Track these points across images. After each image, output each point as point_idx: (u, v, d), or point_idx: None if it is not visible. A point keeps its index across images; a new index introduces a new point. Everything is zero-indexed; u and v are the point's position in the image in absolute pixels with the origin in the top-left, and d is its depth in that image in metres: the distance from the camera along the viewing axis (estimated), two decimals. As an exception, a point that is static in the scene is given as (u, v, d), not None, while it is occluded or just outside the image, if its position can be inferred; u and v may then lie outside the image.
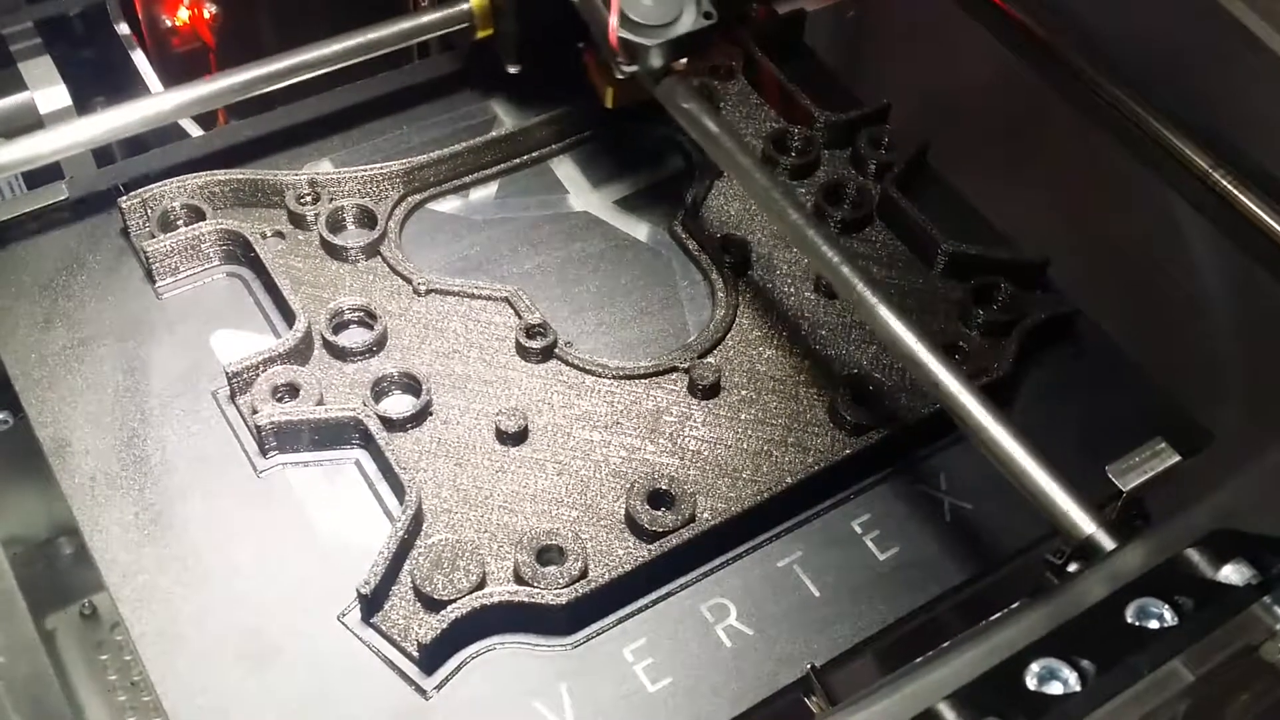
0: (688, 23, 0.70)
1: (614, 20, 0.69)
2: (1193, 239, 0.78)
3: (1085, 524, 0.58)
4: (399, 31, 0.80)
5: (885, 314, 0.64)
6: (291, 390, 0.69)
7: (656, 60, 0.71)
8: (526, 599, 0.62)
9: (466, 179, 0.83)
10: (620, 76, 0.72)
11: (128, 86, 0.89)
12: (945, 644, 0.60)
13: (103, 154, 0.84)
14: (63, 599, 0.85)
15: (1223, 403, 0.75)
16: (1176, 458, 0.70)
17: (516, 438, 0.69)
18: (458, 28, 0.80)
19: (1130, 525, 0.61)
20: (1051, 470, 0.59)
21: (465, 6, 0.79)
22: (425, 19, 0.80)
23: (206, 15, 0.93)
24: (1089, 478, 0.70)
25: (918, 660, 0.58)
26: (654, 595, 0.65)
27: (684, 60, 0.73)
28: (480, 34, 0.80)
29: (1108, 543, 0.57)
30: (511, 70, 0.82)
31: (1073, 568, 0.59)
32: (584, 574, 0.63)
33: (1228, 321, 0.78)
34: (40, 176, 0.84)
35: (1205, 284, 0.78)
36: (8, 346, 0.73)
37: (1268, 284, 0.75)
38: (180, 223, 0.77)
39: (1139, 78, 0.81)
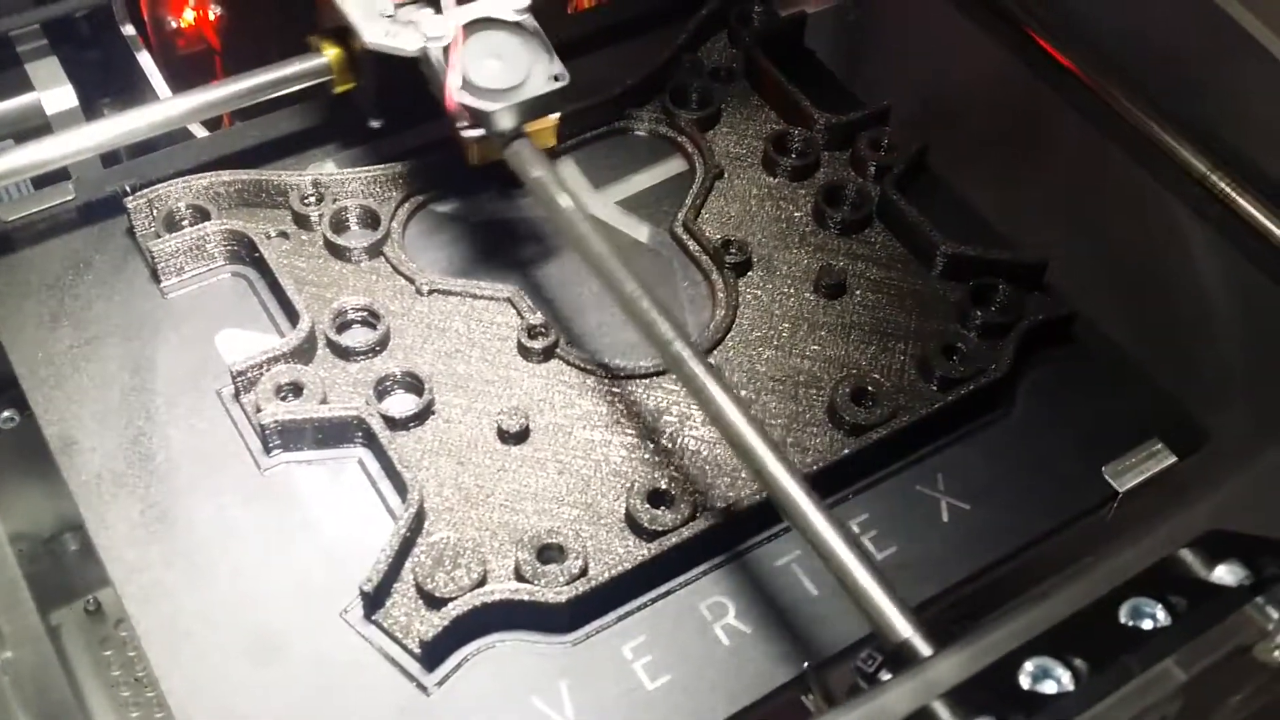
0: (535, 86, 0.68)
1: (452, 83, 0.67)
2: (1191, 241, 0.78)
3: (903, 628, 0.54)
4: (260, 84, 0.77)
5: (719, 396, 0.60)
6: (295, 389, 0.70)
7: (503, 124, 0.68)
8: (527, 597, 0.63)
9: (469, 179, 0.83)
10: (467, 139, 0.70)
11: (133, 87, 0.89)
12: (941, 645, 0.60)
13: (109, 155, 0.84)
14: (67, 595, 0.85)
15: (1219, 404, 0.76)
16: (1173, 459, 0.71)
17: (518, 437, 0.70)
18: (317, 81, 0.78)
19: (948, 631, 0.57)
20: (873, 570, 0.55)
21: (324, 60, 0.77)
22: (286, 71, 0.77)
23: (211, 17, 0.93)
24: (1086, 478, 0.71)
25: (914, 661, 0.58)
26: (653, 593, 0.66)
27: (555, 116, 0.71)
28: (339, 88, 0.78)
29: (924, 648, 0.54)
30: (373, 124, 0.80)
31: (885, 676, 0.56)
32: (584, 572, 0.64)
33: (1225, 324, 0.78)
34: (47, 177, 0.84)
35: (1203, 286, 0.78)
36: (15, 345, 0.73)
37: (1265, 286, 0.75)
38: (186, 223, 0.77)
39: (1138, 80, 0.81)
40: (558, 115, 0.73)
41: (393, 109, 0.79)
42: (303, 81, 0.77)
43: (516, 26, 0.68)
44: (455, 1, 0.68)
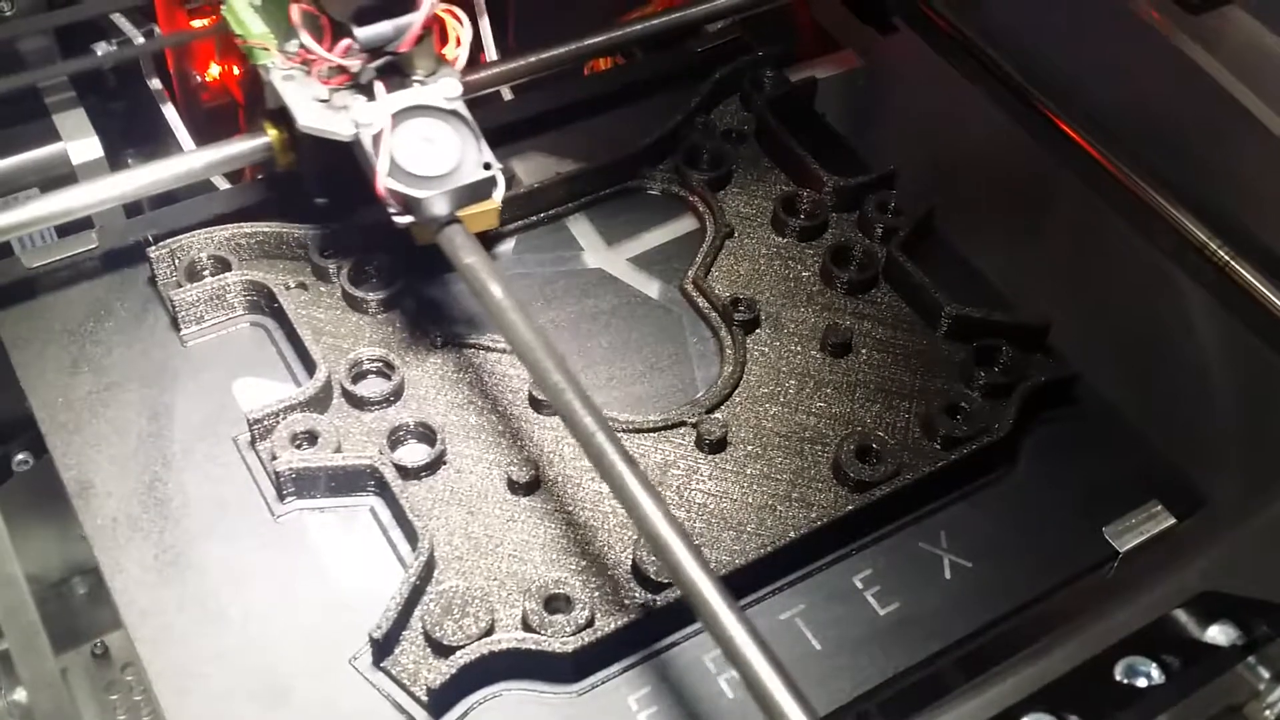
0: (465, 174, 0.68)
1: (380, 169, 0.67)
2: (1190, 308, 0.80)
3: None
4: (211, 162, 0.78)
5: (636, 489, 0.58)
6: (310, 438, 0.71)
7: (435, 211, 0.67)
8: (534, 646, 0.64)
9: (484, 235, 0.85)
10: (399, 225, 0.69)
11: (158, 139, 0.91)
12: (942, 699, 0.61)
13: (132, 205, 0.86)
14: (75, 638, 0.86)
15: (1216, 467, 0.77)
16: (1171, 520, 0.72)
17: (527, 488, 0.71)
18: (262, 158, 0.78)
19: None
20: (782, 674, 0.52)
21: (266, 140, 0.77)
22: (234, 149, 0.78)
23: (236, 72, 0.95)
24: (1087, 538, 0.72)
25: (915, 714, 0.59)
26: (659, 645, 0.67)
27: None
28: (282, 165, 0.78)
29: None
30: (318, 202, 0.81)
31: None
32: (590, 622, 0.65)
33: (1222, 389, 0.79)
34: (70, 226, 0.86)
35: (1201, 352, 0.80)
36: (35, 390, 0.75)
37: (1262, 353, 0.76)
38: (206, 273, 0.79)
39: (1140, 149, 0.83)
40: (499, 200, 0.72)
41: (335, 188, 0.79)
42: (249, 159, 0.78)
43: (449, 114, 0.69)
44: (386, 89, 0.68)
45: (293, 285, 0.79)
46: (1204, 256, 0.79)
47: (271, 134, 0.77)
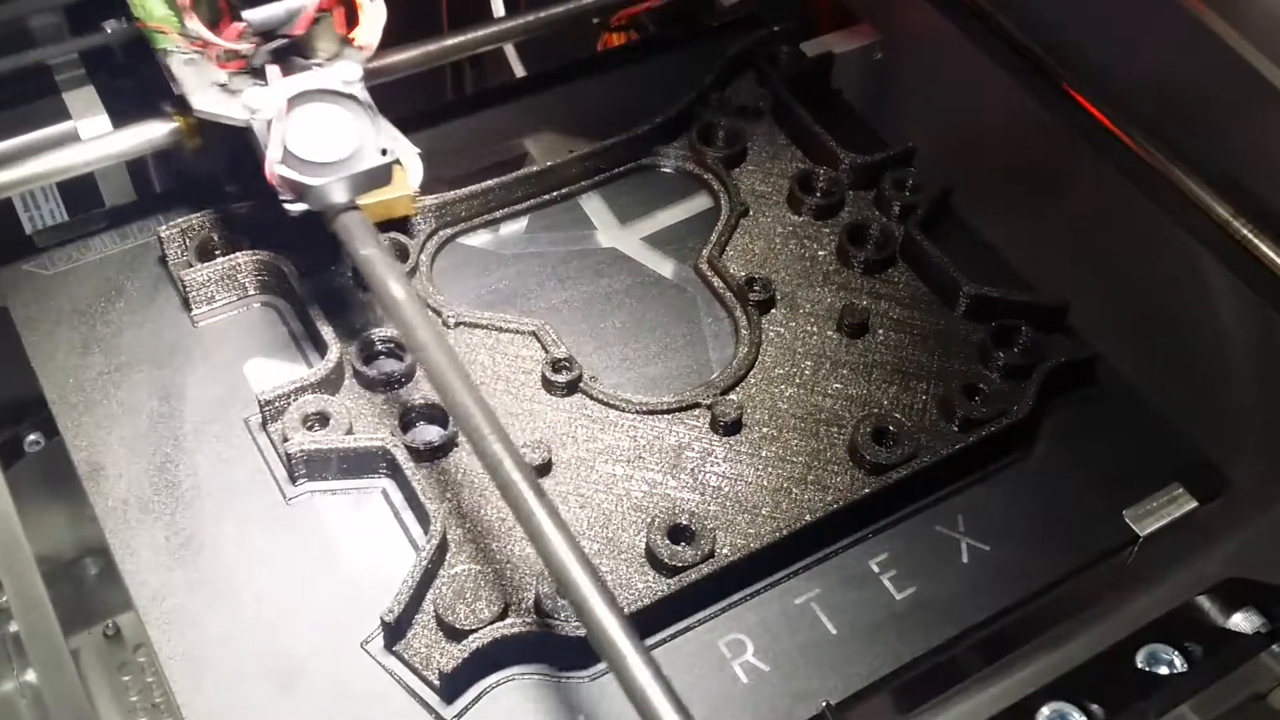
0: (361, 160, 0.66)
1: (271, 156, 0.65)
2: (1213, 286, 0.78)
3: None
4: (123, 149, 0.77)
5: (547, 525, 0.55)
6: (322, 419, 0.70)
7: (329, 198, 0.66)
8: (546, 631, 0.63)
9: (497, 214, 0.84)
10: (292, 213, 0.68)
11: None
12: (959, 685, 0.61)
13: (143, 183, 0.85)
14: (87, 619, 0.86)
15: (1240, 450, 0.76)
16: (1193, 503, 0.71)
17: (540, 470, 0.70)
18: (170, 143, 0.77)
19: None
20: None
21: (175, 125, 0.76)
22: (141, 134, 0.77)
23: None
24: (1107, 521, 0.71)
25: (931, 700, 0.59)
26: (672, 629, 0.66)
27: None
28: (189, 149, 0.77)
29: None
30: (228, 189, 0.80)
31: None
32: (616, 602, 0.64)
33: (1246, 369, 0.78)
34: (81, 205, 0.86)
35: (1224, 331, 0.78)
36: (46, 371, 0.74)
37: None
38: (218, 253, 0.78)
39: (1161, 125, 0.82)
40: (415, 186, 0.72)
41: (243, 175, 0.78)
42: (158, 144, 0.77)
43: (347, 99, 0.67)
44: (282, 73, 0.67)
45: (304, 265, 0.78)
46: (1227, 234, 0.78)
47: (178, 118, 0.75)
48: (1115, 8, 0.84)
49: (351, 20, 0.70)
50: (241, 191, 0.79)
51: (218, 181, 0.80)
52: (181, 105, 0.73)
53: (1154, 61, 0.82)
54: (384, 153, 0.66)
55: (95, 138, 0.78)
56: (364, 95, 0.68)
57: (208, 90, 0.69)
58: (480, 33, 0.87)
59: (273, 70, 0.67)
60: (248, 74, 0.69)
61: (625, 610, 0.63)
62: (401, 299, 0.62)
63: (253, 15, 0.66)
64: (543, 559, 0.55)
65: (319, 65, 0.68)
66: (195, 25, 0.67)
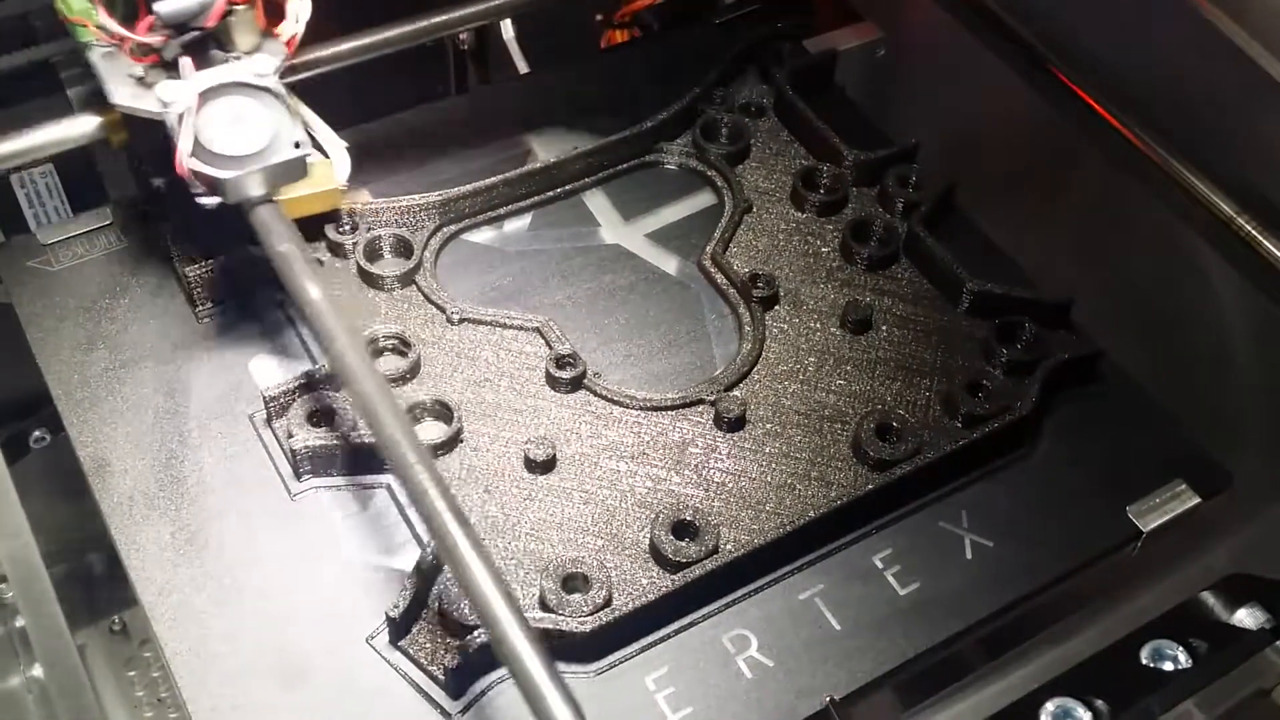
0: (275, 154, 0.65)
1: (182, 149, 0.65)
2: (1217, 283, 0.78)
3: None
4: (41, 143, 0.74)
5: (440, 505, 0.55)
6: (326, 416, 0.71)
7: (242, 191, 0.65)
8: (551, 626, 0.63)
9: (501, 210, 0.84)
10: (205, 206, 0.67)
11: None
12: (963, 680, 0.61)
13: (147, 181, 0.85)
14: (93, 615, 0.86)
15: (1243, 446, 0.76)
16: (1196, 500, 0.71)
17: (544, 466, 0.71)
18: (97, 137, 0.75)
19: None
20: None
21: (101, 120, 0.74)
22: (66, 129, 0.74)
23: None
24: (1110, 517, 0.71)
25: (935, 696, 0.59)
26: (676, 625, 0.66)
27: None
28: (115, 145, 0.75)
29: None
30: (155, 182, 0.78)
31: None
32: (608, 603, 0.65)
33: (1250, 366, 0.78)
34: (86, 201, 0.86)
35: (1228, 328, 0.79)
36: (51, 367, 0.75)
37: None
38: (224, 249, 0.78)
39: (1166, 122, 0.82)
40: (342, 180, 0.71)
41: (167, 169, 0.78)
42: (84, 139, 0.75)
43: (262, 92, 0.67)
44: (195, 66, 0.66)
45: (310, 257, 0.78)
46: (1231, 230, 0.78)
47: (104, 113, 0.74)
48: (1120, 4, 0.84)
49: (279, 14, 0.69)
50: (166, 186, 0.79)
51: (144, 176, 0.79)
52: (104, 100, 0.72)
53: (1158, 58, 0.82)
54: (296, 145, 0.66)
55: (23, 133, 0.75)
56: (279, 87, 0.67)
57: (125, 84, 0.68)
58: (471, 9, 0.86)
59: (186, 63, 0.66)
60: (162, 68, 0.68)
61: (629, 607, 0.64)
62: (316, 301, 0.62)
63: (163, 8, 0.65)
64: (437, 545, 0.55)
65: (236, 58, 0.68)
66: (105, 19, 0.66)
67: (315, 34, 0.73)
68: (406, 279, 0.79)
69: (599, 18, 1.04)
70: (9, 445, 0.81)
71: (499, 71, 1.02)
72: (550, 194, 0.86)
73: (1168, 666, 0.54)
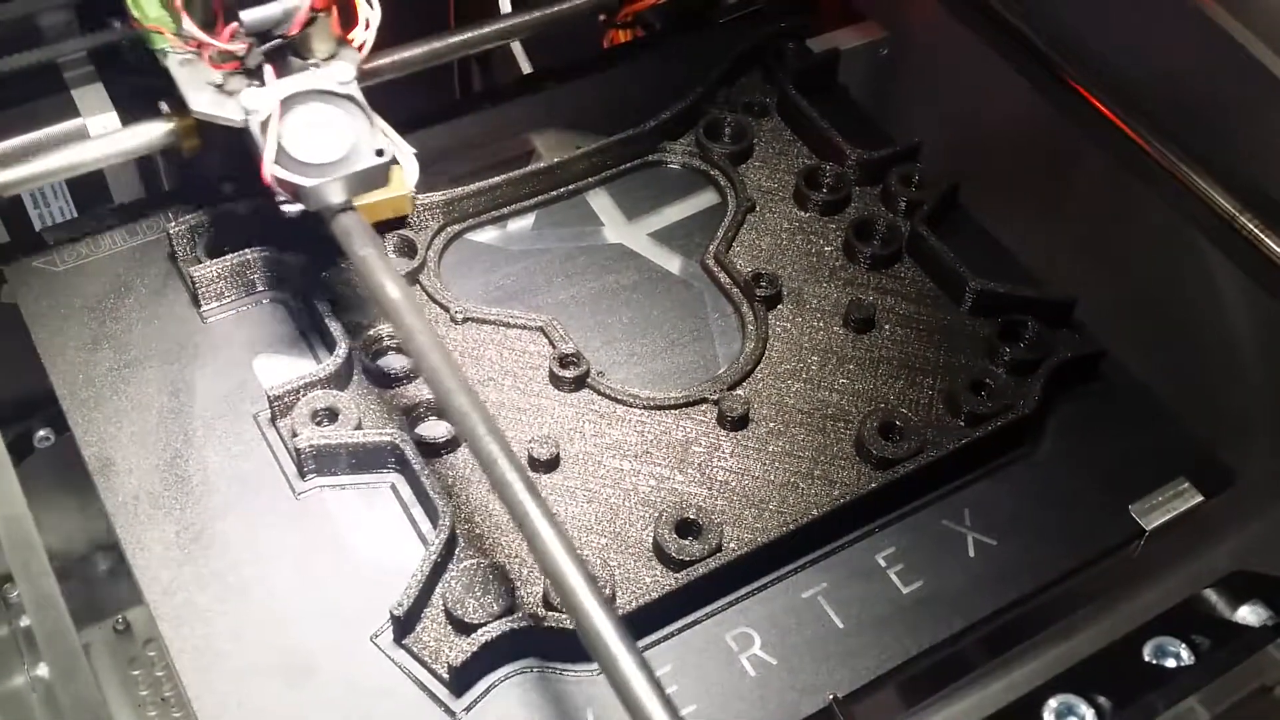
0: (355, 161, 0.66)
1: (267, 157, 0.65)
2: (1219, 281, 0.79)
3: None
4: (117, 150, 0.77)
5: (543, 527, 0.55)
6: (331, 414, 0.71)
7: (325, 199, 0.66)
8: (555, 624, 0.63)
9: (504, 210, 0.84)
10: (288, 214, 0.67)
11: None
12: (966, 678, 0.61)
13: (151, 181, 0.86)
14: (97, 614, 0.86)
15: (1246, 444, 0.76)
16: (1199, 498, 0.71)
17: (548, 465, 0.71)
18: (168, 143, 0.77)
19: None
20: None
21: (173, 125, 0.76)
22: (139, 134, 0.77)
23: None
24: (1113, 515, 0.71)
25: (938, 694, 0.59)
26: (680, 623, 0.66)
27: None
28: (187, 151, 0.77)
29: None
30: (225, 187, 0.79)
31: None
32: (611, 601, 0.65)
33: (1252, 364, 0.78)
34: (90, 201, 0.86)
35: (1230, 326, 0.79)
36: (56, 367, 0.75)
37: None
38: (226, 249, 0.78)
39: (1168, 121, 0.82)
40: (411, 186, 0.72)
41: (240, 176, 0.78)
42: (157, 145, 0.77)
43: (343, 99, 0.67)
44: (276, 74, 0.67)
45: (312, 261, 0.78)
46: (1233, 229, 0.78)
47: (176, 119, 0.76)
48: (1122, 3, 0.84)
49: (348, 21, 0.70)
50: (238, 192, 0.79)
51: (216, 183, 0.80)
52: (179, 106, 0.73)
53: (1161, 57, 0.82)
54: (380, 153, 0.66)
55: (95, 138, 0.78)
56: (359, 95, 0.68)
57: (204, 91, 0.69)
58: (486, 29, 0.87)
59: (268, 71, 0.67)
60: (243, 75, 0.68)
61: (632, 605, 0.64)
62: (399, 300, 0.62)
63: (247, 16, 0.66)
64: (536, 558, 0.55)
65: (314, 66, 0.68)
66: (189, 26, 0.67)
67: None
68: (411, 278, 0.79)
69: (602, 18, 1.04)
70: (14, 445, 0.81)
71: (503, 72, 1.02)
72: (554, 194, 0.86)
73: (1170, 663, 0.54)
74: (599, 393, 0.74)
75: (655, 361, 0.77)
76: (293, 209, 0.67)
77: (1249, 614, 0.56)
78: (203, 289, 0.77)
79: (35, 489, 0.68)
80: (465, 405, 0.58)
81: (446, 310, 0.77)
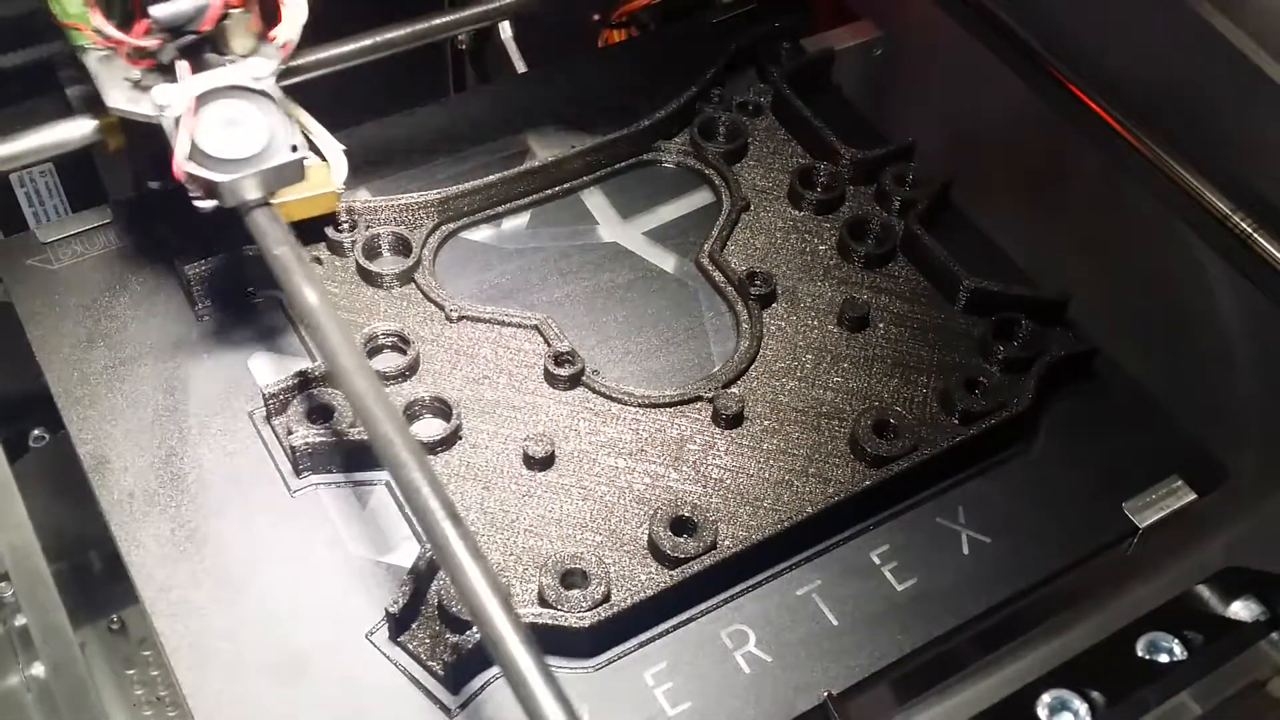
0: (270, 157, 0.65)
1: (179, 152, 0.64)
2: (1212, 280, 0.79)
3: None
4: (43, 144, 0.75)
5: (444, 526, 0.54)
6: (325, 412, 0.71)
7: (239, 195, 0.65)
8: (550, 621, 0.63)
9: (499, 209, 0.84)
10: (202, 210, 0.66)
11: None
12: (960, 674, 0.61)
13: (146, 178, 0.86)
14: (92, 614, 0.86)
15: (1239, 442, 0.76)
16: (1192, 495, 0.72)
17: (543, 463, 0.71)
18: (93, 140, 0.76)
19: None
20: None
21: (97, 123, 0.75)
22: (62, 132, 0.75)
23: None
24: (1107, 513, 0.72)
25: (932, 690, 0.59)
26: (675, 620, 0.66)
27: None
28: (112, 148, 0.76)
29: None
30: (152, 185, 0.79)
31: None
32: (606, 598, 0.65)
33: (1245, 362, 0.78)
34: (85, 199, 0.86)
35: (1223, 325, 0.79)
36: (51, 365, 0.75)
37: (1286, 325, 0.76)
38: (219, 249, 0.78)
39: (1161, 121, 0.82)
40: (339, 183, 0.71)
41: (165, 172, 0.78)
42: (80, 142, 0.76)
43: (258, 95, 0.67)
44: (191, 69, 0.66)
45: (307, 259, 0.78)
46: (1226, 228, 0.78)
47: (100, 117, 0.75)
48: (1115, 3, 0.84)
49: (270, 17, 0.69)
50: (164, 187, 0.79)
51: (144, 181, 0.79)
52: (100, 103, 0.72)
53: (1154, 56, 0.82)
54: (294, 149, 0.66)
55: (16, 136, 0.76)
56: (276, 91, 0.67)
57: (121, 87, 0.68)
58: (472, 10, 0.87)
59: (183, 67, 0.66)
60: (158, 71, 0.68)
61: (627, 602, 0.64)
62: (311, 299, 0.61)
63: (158, 12, 0.65)
64: (440, 562, 0.54)
65: (232, 62, 0.68)
66: (100, 22, 0.66)
67: (315, 35, 0.74)
68: (405, 277, 0.79)
69: (596, 18, 1.04)
70: (9, 443, 0.81)
71: (497, 71, 1.02)
72: (548, 192, 0.86)
73: (1163, 659, 0.54)
74: (594, 391, 0.75)
75: (650, 360, 0.77)
76: (206, 205, 0.66)
77: (1241, 609, 0.56)
78: (197, 287, 0.77)
79: (30, 487, 0.68)
80: (380, 417, 0.57)
81: (441, 308, 0.78)
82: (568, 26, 1.05)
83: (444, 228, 0.83)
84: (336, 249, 0.80)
